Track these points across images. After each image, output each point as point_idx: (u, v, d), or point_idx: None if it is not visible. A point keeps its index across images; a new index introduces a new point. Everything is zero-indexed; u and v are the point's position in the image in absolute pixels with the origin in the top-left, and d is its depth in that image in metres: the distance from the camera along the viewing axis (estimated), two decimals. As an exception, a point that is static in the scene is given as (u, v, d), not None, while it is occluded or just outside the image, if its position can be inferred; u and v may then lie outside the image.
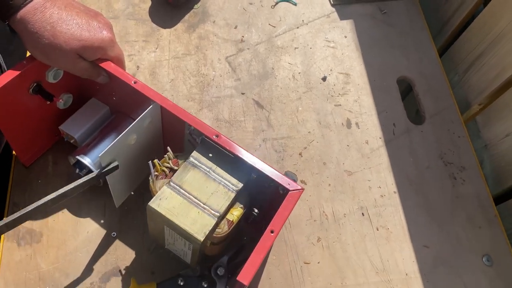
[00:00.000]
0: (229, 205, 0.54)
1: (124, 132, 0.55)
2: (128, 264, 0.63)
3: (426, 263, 0.67)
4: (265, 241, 0.49)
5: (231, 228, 0.54)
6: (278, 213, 0.51)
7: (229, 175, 0.56)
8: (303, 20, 0.88)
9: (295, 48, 0.85)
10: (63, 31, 0.54)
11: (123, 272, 0.62)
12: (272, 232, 0.50)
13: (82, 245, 0.64)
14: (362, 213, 0.70)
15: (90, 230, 0.65)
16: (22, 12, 0.52)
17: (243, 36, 0.85)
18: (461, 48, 0.87)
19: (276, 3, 0.89)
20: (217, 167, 0.56)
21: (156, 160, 0.57)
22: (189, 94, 0.77)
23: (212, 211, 0.53)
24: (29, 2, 0.52)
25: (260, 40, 0.85)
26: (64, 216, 0.65)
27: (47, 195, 0.66)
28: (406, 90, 0.93)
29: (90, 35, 0.56)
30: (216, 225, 0.53)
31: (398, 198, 0.72)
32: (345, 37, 0.87)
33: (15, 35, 0.57)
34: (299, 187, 0.53)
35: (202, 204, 0.53)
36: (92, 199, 0.67)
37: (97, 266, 0.62)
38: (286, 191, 0.53)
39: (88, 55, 0.57)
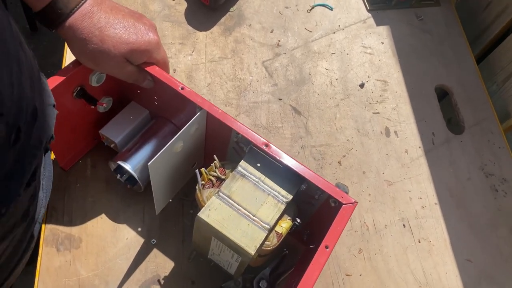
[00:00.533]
0: (279, 217, 0.53)
1: (172, 140, 0.54)
2: (167, 272, 0.62)
3: (470, 278, 0.66)
4: (320, 257, 0.48)
5: (280, 241, 0.53)
6: (332, 228, 0.50)
7: (278, 186, 0.54)
8: (339, 25, 0.87)
9: (332, 53, 0.83)
10: (111, 35, 0.53)
11: (163, 280, 0.61)
12: (327, 247, 0.48)
13: (122, 252, 0.63)
14: (403, 225, 0.69)
15: (129, 237, 0.64)
16: (70, 19, 0.51)
17: (279, 41, 0.83)
18: (500, 57, 0.86)
19: (312, 7, 0.88)
20: (266, 177, 0.55)
21: (203, 169, 0.55)
22: (226, 99, 0.76)
23: (262, 223, 0.52)
24: (78, 9, 0.51)
25: (296, 45, 0.83)
26: (102, 222, 0.64)
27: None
28: (438, 97, 0.91)
29: (137, 38, 0.54)
30: (266, 237, 0.52)
31: (439, 210, 0.70)
32: (382, 43, 0.86)
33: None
34: (353, 200, 0.51)
35: (252, 216, 0.52)
36: (130, 205, 0.66)
37: (136, 274, 0.62)
38: (339, 204, 0.51)
39: (135, 58, 0.56)
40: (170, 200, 0.66)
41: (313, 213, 0.59)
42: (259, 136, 0.55)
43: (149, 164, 0.52)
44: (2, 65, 0.33)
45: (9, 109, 0.34)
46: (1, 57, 0.33)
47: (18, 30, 0.40)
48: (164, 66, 0.59)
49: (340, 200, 0.51)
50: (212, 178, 0.56)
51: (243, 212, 0.52)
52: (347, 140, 0.75)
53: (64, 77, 0.55)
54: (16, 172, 0.37)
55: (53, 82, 0.55)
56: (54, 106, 0.48)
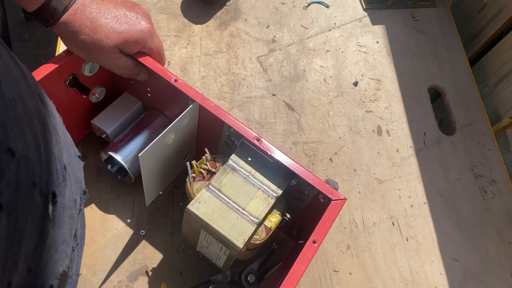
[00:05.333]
0: (268, 211, 0.53)
1: (164, 131, 0.54)
2: (156, 263, 0.62)
3: (455, 277, 0.66)
4: (308, 252, 0.48)
5: (268, 235, 0.54)
6: (321, 224, 0.50)
7: (269, 181, 0.55)
8: (335, 23, 0.87)
9: (327, 51, 0.83)
10: (102, 25, 0.52)
11: (151, 272, 0.61)
12: (314, 242, 0.49)
13: (110, 242, 0.63)
14: (392, 223, 0.69)
15: (119, 227, 0.64)
16: (64, 16, 0.51)
17: (274, 36, 0.83)
18: (493, 60, 0.86)
19: (309, 4, 0.88)
20: (256, 172, 0.55)
21: (194, 162, 0.55)
22: (220, 93, 0.76)
23: (251, 217, 0.52)
24: (72, 5, 0.51)
25: (292, 41, 0.83)
26: (92, 212, 0.64)
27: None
28: (431, 99, 0.92)
29: (129, 27, 0.54)
30: (255, 231, 0.52)
31: (428, 209, 0.71)
32: (377, 42, 0.86)
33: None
34: (342, 197, 0.52)
35: (241, 210, 0.52)
36: (120, 196, 0.66)
37: (124, 265, 0.62)
38: (328, 200, 0.52)
39: (128, 48, 0.55)
40: (161, 192, 0.66)
41: (303, 208, 0.59)
42: (251, 131, 0.55)
43: (139, 155, 0.52)
44: (23, 126, 0.28)
45: (40, 175, 0.29)
46: (22, 117, 0.28)
47: (33, 77, 0.35)
48: (159, 55, 0.59)
49: (329, 196, 0.51)
50: (203, 171, 0.56)
51: (232, 206, 0.52)
52: (339, 137, 0.75)
53: (56, 65, 0.55)
54: (56, 240, 0.32)
55: (45, 70, 0.54)
56: (79, 157, 0.43)
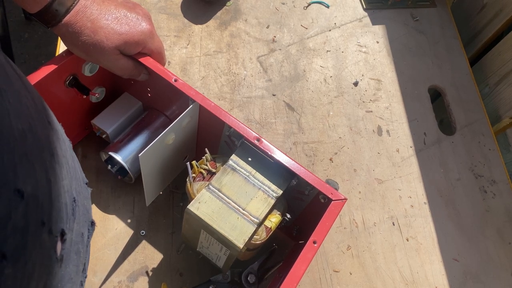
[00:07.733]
0: (268, 211, 0.53)
1: (164, 132, 0.54)
2: (156, 263, 0.62)
3: (455, 277, 0.66)
4: (308, 252, 0.48)
5: (269, 235, 0.53)
6: (321, 224, 0.50)
7: (269, 181, 0.55)
8: (335, 23, 0.87)
9: (327, 51, 0.83)
10: (103, 27, 0.52)
11: (151, 272, 0.61)
12: (314, 243, 0.49)
13: (110, 242, 0.63)
14: (393, 223, 0.69)
15: (119, 228, 0.64)
16: (66, 18, 0.51)
17: (274, 36, 0.83)
18: (493, 60, 0.86)
19: (309, 4, 0.88)
20: (257, 172, 0.55)
21: (194, 162, 0.55)
22: (220, 93, 0.76)
23: (252, 217, 0.52)
24: (74, 7, 0.51)
25: (292, 41, 0.83)
26: (92, 212, 0.64)
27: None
28: (432, 98, 0.92)
29: (129, 29, 0.54)
30: (255, 232, 0.52)
31: (428, 209, 0.71)
32: (377, 42, 0.86)
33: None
34: (342, 197, 0.52)
35: (241, 210, 0.52)
36: (120, 196, 0.66)
37: (125, 265, 0.62)
38: (328, 200, 0.52)
39: (129, 49, 0.55)
40: (161, 193, 0.66)
41: (303, 208, 0.59)
42: (251, 131, 0.55)
43: (140, 155, 0.52)
44: (33, 161, 0.25)
45: (49, 213, 0.27)
46: (32, 151, 0.25)
47: (42, 98, 0.32)
48: (159, 56, 0.59)
49: (329, 196, 0.51)
50: (203, 171, 0.56)
51: (232, 206, 0.52)
52: (340, 137, 0.75)
53: (56, 66, 0.55)
54: (62, 279, 0.30)
55: (44, 70, 0.54)
56: (86, 184, 0.40)
